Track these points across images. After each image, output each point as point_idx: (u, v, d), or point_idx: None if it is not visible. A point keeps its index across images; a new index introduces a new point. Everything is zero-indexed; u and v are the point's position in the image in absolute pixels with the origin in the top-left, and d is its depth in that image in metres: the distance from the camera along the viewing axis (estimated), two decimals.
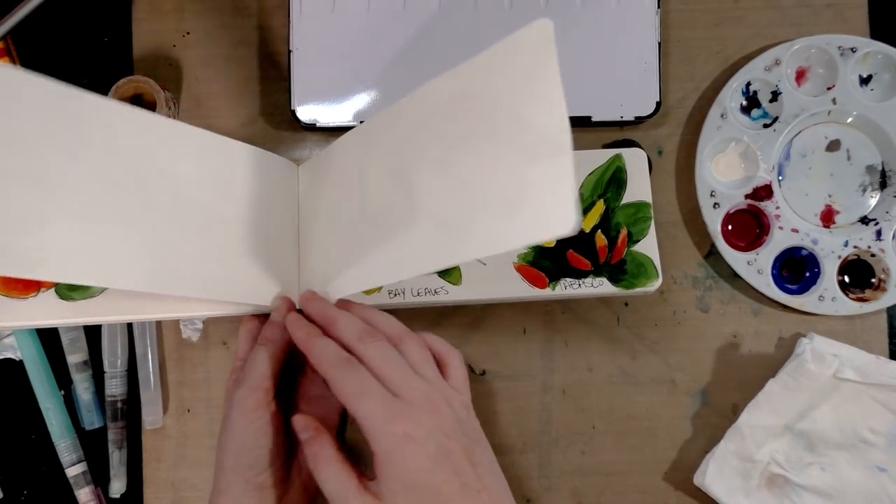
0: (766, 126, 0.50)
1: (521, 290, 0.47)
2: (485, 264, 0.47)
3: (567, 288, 0.47)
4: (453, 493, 0.34)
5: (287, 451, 0.42)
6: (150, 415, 0.49)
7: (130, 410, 0.50)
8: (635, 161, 0.48)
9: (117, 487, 0.49)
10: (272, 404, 0.41)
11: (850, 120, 0.50)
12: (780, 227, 0.49)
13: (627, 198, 0.48)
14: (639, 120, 0.50)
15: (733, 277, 0.51)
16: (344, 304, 0.42)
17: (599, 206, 0.48)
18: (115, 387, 0.49)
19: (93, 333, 0.50)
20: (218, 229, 0.43)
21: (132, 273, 0.38)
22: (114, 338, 0.49)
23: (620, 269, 0.47)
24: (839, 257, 0.49)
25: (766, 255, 0.49)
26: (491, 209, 0.35)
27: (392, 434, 0.34)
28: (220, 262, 0.42)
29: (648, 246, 0.47)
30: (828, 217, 0.51)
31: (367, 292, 0.47)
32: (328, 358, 0.38)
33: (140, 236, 0.39)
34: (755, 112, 0.51)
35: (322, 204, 0.45)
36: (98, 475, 0.50)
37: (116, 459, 0.49)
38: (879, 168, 0.50)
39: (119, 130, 0.39)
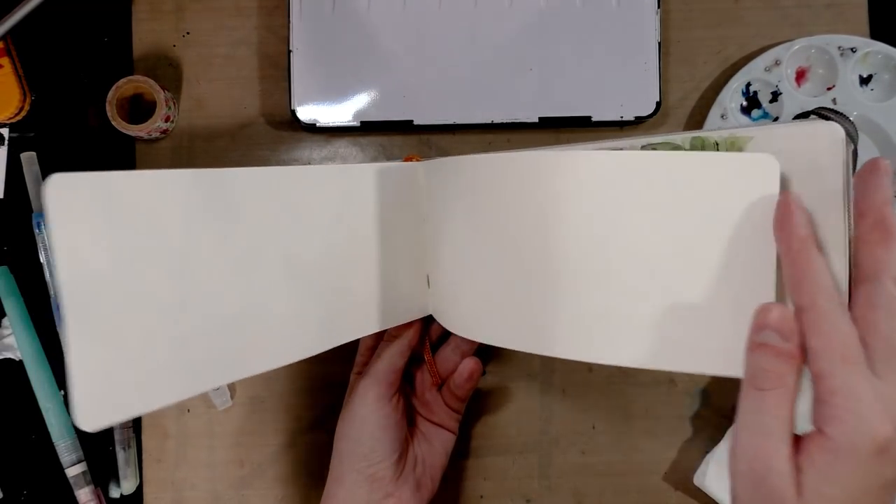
0: None
1: None
2: None
3: None
4: None
5: (404, 446, 0.43)
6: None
7: None
8: None
9: (127, 487, 0.49)
10: (395, 398, 0.42)
11: None
12: None
13: None
14: (639, 120, 0.50)
15: None
16: None
17: None
18: None
19: None
20: (363, 259, 0.40)
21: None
22: None
23: None
24: None
25: None
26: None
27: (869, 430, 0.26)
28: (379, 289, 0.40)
29: None
30: None
31: None
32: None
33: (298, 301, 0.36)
34: (755, 112, 0.51)
35: (453, 225, 0.40)
36: (98, 475, 0.50)
37: (123, 459, 0.49)
38: None
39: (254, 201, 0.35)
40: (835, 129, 0.30)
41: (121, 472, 0.49)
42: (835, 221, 0.30)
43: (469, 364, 0.44)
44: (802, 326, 0.27)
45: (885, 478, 0.27)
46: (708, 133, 0.34)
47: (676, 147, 0.35)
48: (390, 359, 0.42)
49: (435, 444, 0.45)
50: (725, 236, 0.31)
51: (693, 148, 0.34)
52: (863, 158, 0.51)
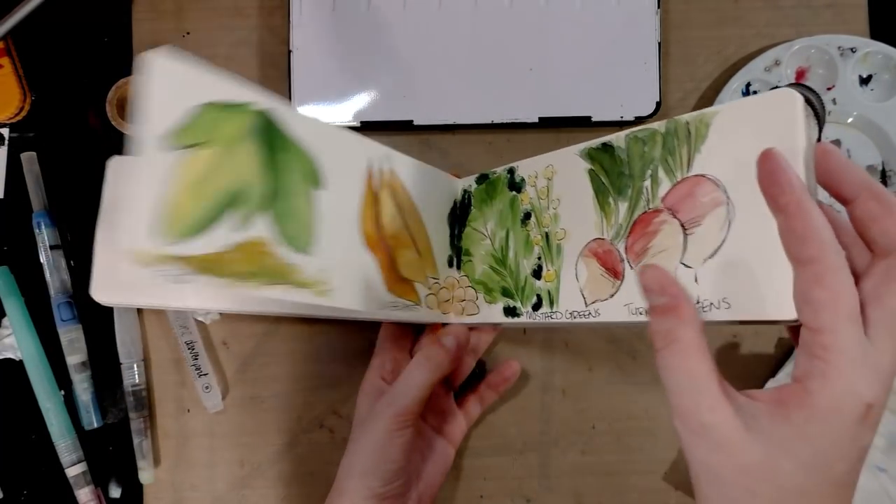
0: None
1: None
2: None
3: None
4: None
5: (414, 465, 0.43)
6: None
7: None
8: None
9: (146, 477, 0.49)
10: (415, 424, 0.41)
11: (850, 120, 0.50)
12: None
13: None
14: (639, 120, 0.50)
15: None
16: None
17: None
18: (132, 377, 0.49)
19: (91, 333, 0.50)
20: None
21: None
22: (126, 329, 0.49)
23: None
24: None
25: None
26: None
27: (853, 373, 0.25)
28: None
29: None
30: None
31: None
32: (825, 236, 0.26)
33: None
34: None
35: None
36: (98, 475, 0.50)
37: (143, 448, 0.49)
38: (880, 168, 0.50)
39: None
40: (791, 94, 0.29)
41: (139, 463, 0.49)
42: None
43: (514, 365, 0.48)
44: (804, 279, 0.26)
45: (860, 444, 0.26)
46: (680, 116, 0.34)
47: (655, 132, 0.35)
48: (418, 387, 0.41)
49: (437, 461, 0.45)
50: None
51: (668, 130, 0.34)
52: (862, 157, 0.51)
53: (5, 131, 0.51)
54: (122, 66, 0.51)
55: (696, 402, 0.27)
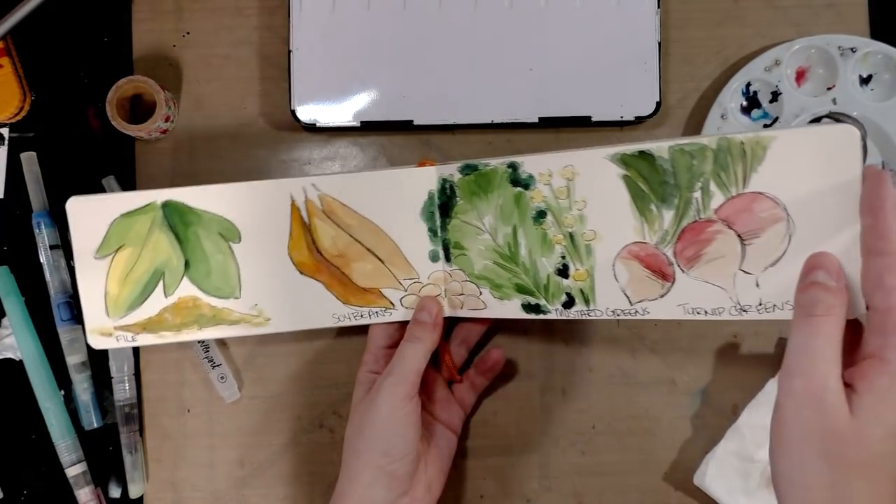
0: (766, 127, 0.50)
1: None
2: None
3: None
4: None
5: (419, 446, 0.43)
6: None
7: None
8: None
9: (135, 490, 0.49)
10: (416, 397, 0.42)
11: None
12: None
13: None
14: (639, 120, 0.50)
15: None
16: None
17: None
18: (123, 391, 0.49)
19: None
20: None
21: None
22: None
23: None
24: None
25: None
26: None
27: None
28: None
29: None
30: None
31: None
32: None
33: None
34: (755, 112, 0.51)
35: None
36: (98, 475, 0.50)
37: (130, 463, 0.49)
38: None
39: None
40: (851, 131, 0.34)
41: (128, 476, 0.49)
42: (852, 208, 0.34)
43: (495, 353, 0.48)
44: (878, 269, 0.32)
45: None
46: (734, 134, 0.36)
47: (704, 147, 0.37)
48: (412, 359, 0.43)
49: (441, 447, 0.46)
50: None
51: (720, 147, 0.36)
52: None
53: (5, 131, 0.51)
54: (122, 66, 0.51)
55: (826, 366, 0.31)
